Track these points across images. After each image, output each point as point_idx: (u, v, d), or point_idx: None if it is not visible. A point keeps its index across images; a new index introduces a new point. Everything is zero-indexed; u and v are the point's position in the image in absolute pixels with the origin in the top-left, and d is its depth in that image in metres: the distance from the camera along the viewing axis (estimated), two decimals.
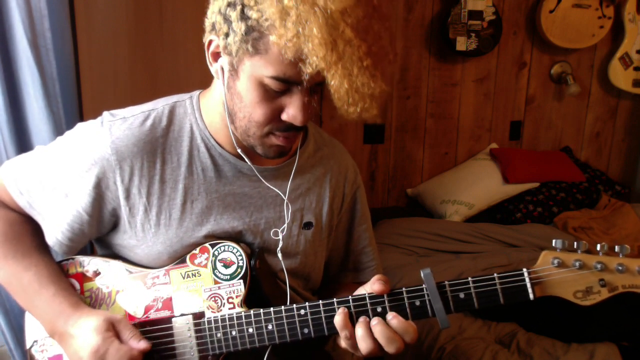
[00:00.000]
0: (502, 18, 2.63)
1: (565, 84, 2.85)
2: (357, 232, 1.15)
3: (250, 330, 0.91)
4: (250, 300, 0.94)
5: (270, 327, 0.90)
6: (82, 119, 1.53)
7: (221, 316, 0.93)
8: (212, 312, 0.94)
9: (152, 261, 0.98)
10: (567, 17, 2.69)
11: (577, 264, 0.81)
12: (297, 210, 1.04)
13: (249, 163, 0.98)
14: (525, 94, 2.89)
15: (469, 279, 0.84)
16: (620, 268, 0.80)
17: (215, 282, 0.95)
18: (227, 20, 0.82)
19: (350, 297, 0.87)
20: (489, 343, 1.71)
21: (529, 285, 0.83)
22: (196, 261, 0.96)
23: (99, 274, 0.99)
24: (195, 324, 0.94)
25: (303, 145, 1.06)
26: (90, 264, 1.00)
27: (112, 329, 0.90)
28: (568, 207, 2.59)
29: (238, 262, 0.95)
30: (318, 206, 1.07)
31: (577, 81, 2.83)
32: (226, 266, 0.95)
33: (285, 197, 1.01)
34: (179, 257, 0.97)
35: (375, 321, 0.83)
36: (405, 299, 0.85)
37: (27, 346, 1.01)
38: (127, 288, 0.98)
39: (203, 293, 0.95)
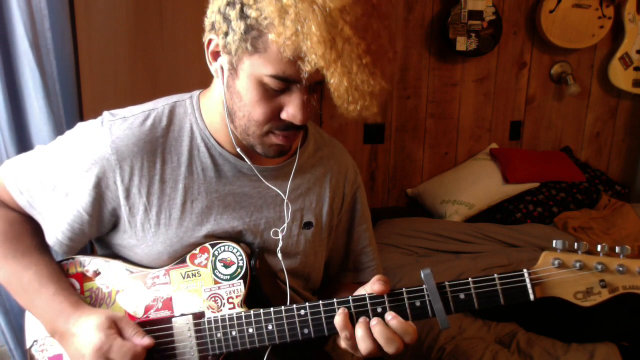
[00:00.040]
0: (502, 18, 2.63)
1: (565, 84, 2.84)
2: (357, 232, 1.15)
3: (250, 330, 0.90)
4: (250, 300, 0.94)
5: (270, 327, 0.90)
6: (82, 118, 1.53)
7: (221, 316, 0.93)
8: (212, 312, 0.94)
9: (152, 261, 0.97)
10: (567, 17, 2.69)
11: (578, 264, 0.81)
12: (297, 210, 1.04)
13: (248, 163, 0.98)
14: (525, 94, 2.89)
15: (469, 279, 0.84)
16: (620, 269, 0.80)
17: (215, 282, 0.95)
18: (226, 19, 0.82)
19: (350, 297, 0.87)
20: (489, 343, 1.71)
21: (529, 286, 0.82)
22: (196, 261, 0.96)
23: (99, 273, 0.99)
24: (195, 324, 0.94)
25: (303, 145, 1.06)
26: (90, 263, 1.00)
27: (115, 326, 0.90)
28: (568, 207, 2.59)
29: (238, 262, 0.95)
30: (318, 206, 1.07)
31: (577, 81, 2.83)
32: (226, 266, 0.95)
33: (285, 196, 1.01)
34: (179, 257, 0.97)
35: (374, 321, 0.83)
36: (406, 299, 0.85)
37: (27, 346, 1.01)
38: (127, 288, 0.98)
39: (203, 293, 0.95)
